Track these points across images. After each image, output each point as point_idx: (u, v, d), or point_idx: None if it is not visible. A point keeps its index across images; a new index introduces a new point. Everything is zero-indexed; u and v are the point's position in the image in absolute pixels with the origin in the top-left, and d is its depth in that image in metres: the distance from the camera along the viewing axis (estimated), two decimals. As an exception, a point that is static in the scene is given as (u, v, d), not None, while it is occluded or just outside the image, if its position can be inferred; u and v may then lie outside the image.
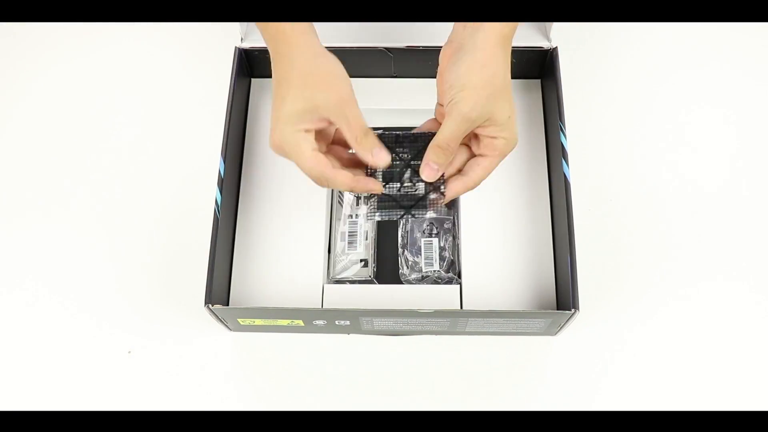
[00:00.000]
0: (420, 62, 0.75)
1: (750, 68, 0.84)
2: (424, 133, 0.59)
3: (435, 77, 0.77)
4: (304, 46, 0.56)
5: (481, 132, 0.56)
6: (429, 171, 0.57)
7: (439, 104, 0.59)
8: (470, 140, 0.58)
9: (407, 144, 0.60)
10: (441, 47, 0.73)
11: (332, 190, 0.75)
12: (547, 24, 0.73)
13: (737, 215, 0.77)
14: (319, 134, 0.57)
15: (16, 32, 0.88)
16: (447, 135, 0.55)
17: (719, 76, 0.84)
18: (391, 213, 0.59)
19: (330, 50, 0.73)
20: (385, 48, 0.74)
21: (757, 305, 0.73)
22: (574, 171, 0.68)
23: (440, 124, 0.57)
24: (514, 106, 0.57)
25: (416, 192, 0.59)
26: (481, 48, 0.54)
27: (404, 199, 0.59)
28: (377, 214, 0.59)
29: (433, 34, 0.73)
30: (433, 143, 0.56)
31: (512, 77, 0.76)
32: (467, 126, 0.54)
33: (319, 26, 0.74)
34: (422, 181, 0.58)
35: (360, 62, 0.75)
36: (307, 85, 0.54)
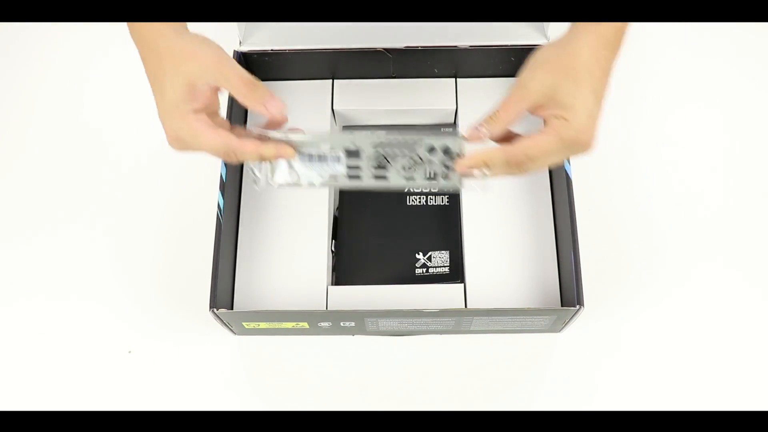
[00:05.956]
0: (419, 62, 0.75)
1: (751, 68, 0.84)
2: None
3: (433, 77, 0.78)
4: (164, 30, 0.53)
5: (544, 112, 0.52)
6: (473, 132, 0.53)
7: None
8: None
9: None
10: (440, 47, 0.74)
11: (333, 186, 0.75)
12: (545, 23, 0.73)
13: (737, 213, 0.77)
14: (210, 113, 0.55)
15: (16, 32, 0.88)
16: (500, 102, 0.51)
17: (722, 76, 0.84)
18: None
19: (330, 51, 0.74)
20: (384, 48, 0.73)
21: (762, 301, 0.73)
22: (575, 168, 0.68)
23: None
24: (599, 102, 0.50)
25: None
26: (571, 34, 0.50)
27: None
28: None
29: (433, 34, 0.73)
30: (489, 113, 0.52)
31: (509, 75, 0.78)
32: (522, 95, 0.50)
33: (318, 26, 0.75)
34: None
35: (359, 62, 0.75)
36: (179, 63, 0.52)
